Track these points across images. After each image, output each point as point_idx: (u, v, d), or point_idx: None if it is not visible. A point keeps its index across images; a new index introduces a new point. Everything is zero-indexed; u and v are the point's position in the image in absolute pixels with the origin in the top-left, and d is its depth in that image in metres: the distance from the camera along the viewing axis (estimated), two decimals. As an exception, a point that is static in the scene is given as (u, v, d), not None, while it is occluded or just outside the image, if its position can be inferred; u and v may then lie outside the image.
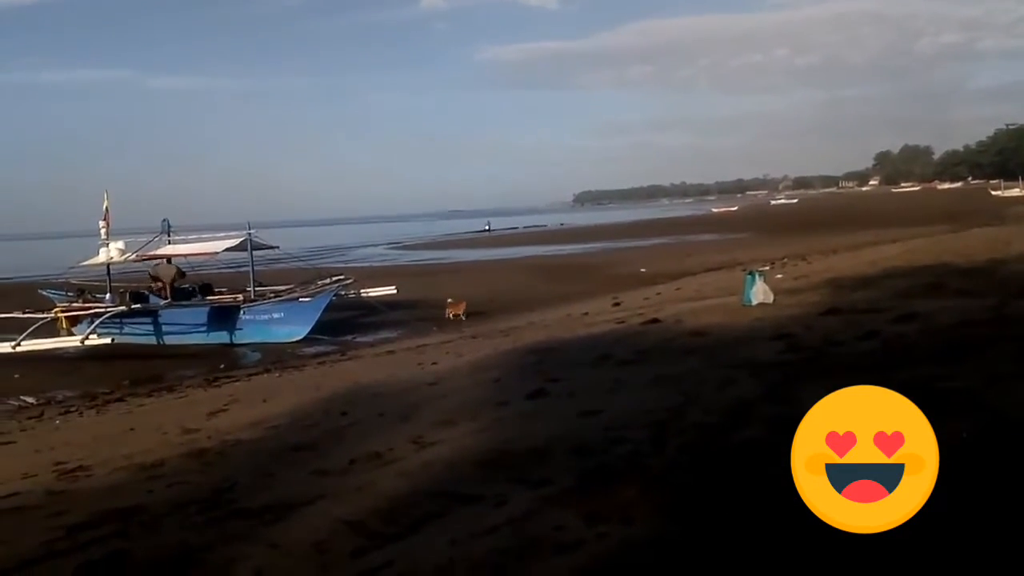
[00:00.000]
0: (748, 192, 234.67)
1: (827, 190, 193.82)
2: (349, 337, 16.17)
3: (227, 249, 17.19)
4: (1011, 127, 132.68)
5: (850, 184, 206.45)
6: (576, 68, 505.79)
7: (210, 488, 4.30)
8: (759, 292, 9.58)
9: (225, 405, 8.11)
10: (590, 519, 3.03)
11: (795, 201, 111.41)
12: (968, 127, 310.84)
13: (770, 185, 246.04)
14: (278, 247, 18.82)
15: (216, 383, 11.26)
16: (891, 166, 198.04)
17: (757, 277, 9.81)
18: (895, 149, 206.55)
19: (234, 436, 5.89)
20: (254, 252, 17.53)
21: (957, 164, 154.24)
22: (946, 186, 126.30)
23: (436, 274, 29.81)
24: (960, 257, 12.30)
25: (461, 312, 16.49)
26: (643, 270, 24.22)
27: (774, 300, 9.46)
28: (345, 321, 17.75)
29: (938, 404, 3.71)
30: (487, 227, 74.21)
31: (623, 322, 10.35)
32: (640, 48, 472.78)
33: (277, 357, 14.10)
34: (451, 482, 3.97)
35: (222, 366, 13.44)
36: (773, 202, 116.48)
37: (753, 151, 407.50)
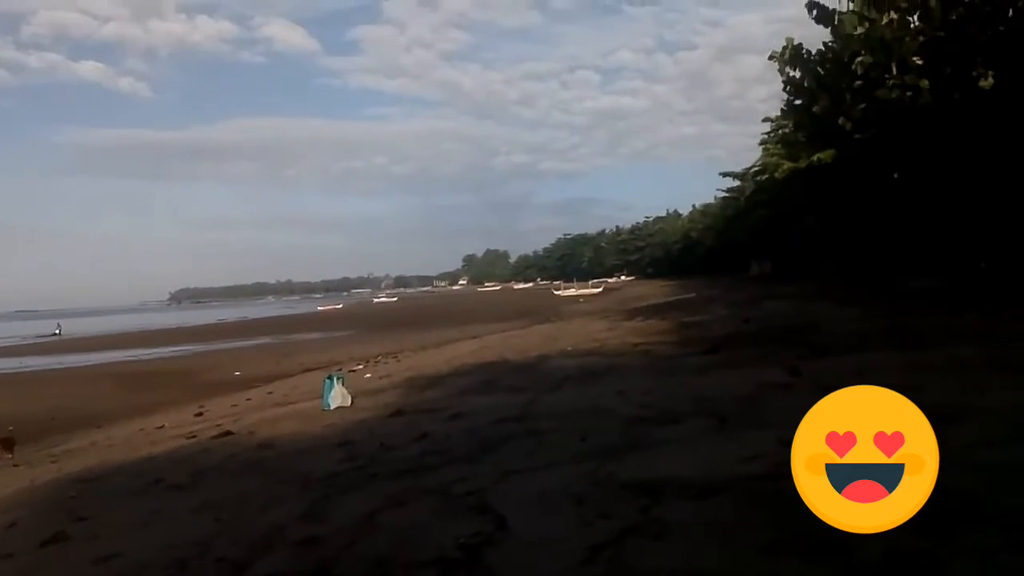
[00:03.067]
0: (353, 290, 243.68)
1: (423, 289, 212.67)
2: None
3: None
4: (567, 236, 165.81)
5: (443, 283, 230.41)
6: (174, 159, 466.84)
7: None
8: (337, 396, 9.65)
9: None
10: None
11: (395, 299, 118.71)
12: (536, 235, 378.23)
13: (373, 284, 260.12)
14: None
15: None
16: (477, 268, 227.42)
17: (335, 381, 9.91)
18: (479, 252, 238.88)
19: None
20: None
21: (529, 267, 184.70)
22: (520, 286, 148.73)
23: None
24: (517, 354, 13.92)
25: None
26: (238, 373, 22.74)
27: (352, 403, 9.63)
28: None
29: (449, 508, 4.06)
30: (57, 330, 62.28)
31: (194, 436, 9.39)
32: (242, 144, 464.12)
33: None
34: None
35: None
36: (376, 300, 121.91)
37: (357, 251, 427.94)
